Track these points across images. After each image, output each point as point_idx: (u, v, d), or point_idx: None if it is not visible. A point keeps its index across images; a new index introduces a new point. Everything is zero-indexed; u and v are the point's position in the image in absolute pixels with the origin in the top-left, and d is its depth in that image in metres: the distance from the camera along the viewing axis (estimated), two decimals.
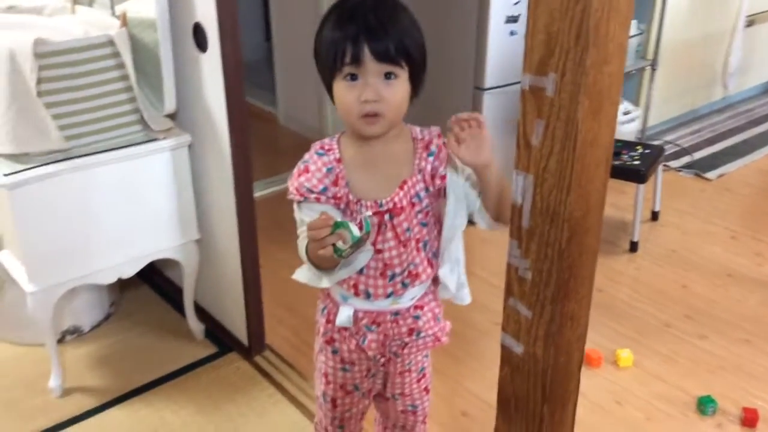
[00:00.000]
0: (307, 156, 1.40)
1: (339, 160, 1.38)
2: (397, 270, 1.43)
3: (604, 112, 1.19)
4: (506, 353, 1.49)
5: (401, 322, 1.50)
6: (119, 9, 2.27)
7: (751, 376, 2.41)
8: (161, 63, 2.14)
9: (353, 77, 1.28)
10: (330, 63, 1.29)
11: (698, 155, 4.12)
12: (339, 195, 1.37)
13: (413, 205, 1.39)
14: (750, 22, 4.48)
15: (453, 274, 1.48)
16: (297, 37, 3.97)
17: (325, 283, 1.45)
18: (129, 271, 2.32)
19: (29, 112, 1.97)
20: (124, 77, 2.13)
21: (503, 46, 3.03)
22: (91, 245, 2.19)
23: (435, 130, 1.43)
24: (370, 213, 1.36)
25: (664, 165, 3.67)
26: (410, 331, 1.51)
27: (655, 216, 3.42)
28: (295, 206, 1.42)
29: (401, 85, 1.30)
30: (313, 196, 1.36)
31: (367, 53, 1.25)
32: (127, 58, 2.10)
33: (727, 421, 2.22)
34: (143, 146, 2.20)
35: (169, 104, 2.22)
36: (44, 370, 2.39)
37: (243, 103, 2.15)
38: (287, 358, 2.48)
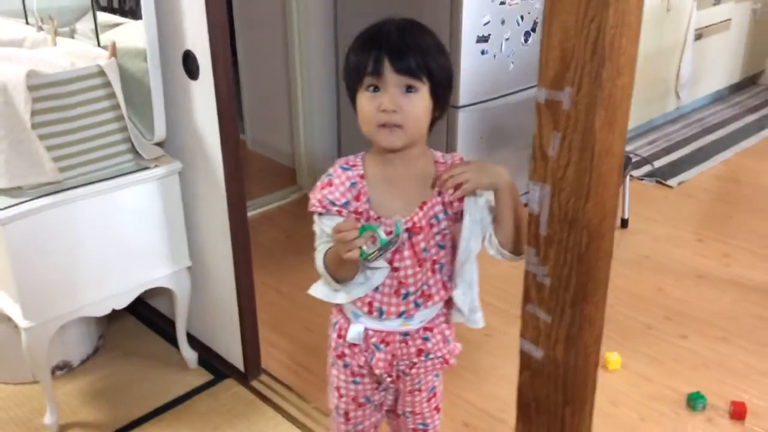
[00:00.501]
0: (331, 170, 1.44)
1: (362, 176, 1.42)
2: (411, 289, 1.46)
3: (617, 122, 1.26)
4: (525, 358, 1.53)
5: (410, 342, 1.53)
6: (104, 39, 2.27)
7: (733, 371, 2.51)
8: (150, 91, 2.15)
9: (375, 89, 1.33)
10: (354, 76, 1.35)
11: (658, 164, 4.27)
12: (360, 210, 1.41)
13: (431, 226, 1.43)
14: (698, 36, 4.69)
15: (466, 297, 1.50)
16: (264, 61, 3.99)
17: (340, 298, 1.48)
18: (123, 302, 2.30)
19: (23, 145, 1.96)
20: (115, 107, 2.13)
21: (475, 65, 3.12)
22: (85, 277, 2.17)
23: (457, 155, 1.49)
24: (401, 219, 1.38)
25: (629, 174, 3.80)
26: (419, 352, 1.54)
27: (624, 224, 3.54)
28: (315, 218, 1.45)
29: (421, 99, 1.34)
30: (335, 209, 1.40)
31: (387, 65, 1.30)
32: (118, 87, 2.11)
33: (717, 415, 2.31)
34: (135, 175, 2.20)
35: (159, 132, 2.23)
36: (36, 407, 2.35)
37: (235, 129, 2.17)
38: (284, 380, 2.48)
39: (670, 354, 2.61)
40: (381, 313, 1.48)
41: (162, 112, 2.20)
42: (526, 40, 3.32)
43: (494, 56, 3.19)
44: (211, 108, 2.12)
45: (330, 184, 1.42)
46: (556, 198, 1.34)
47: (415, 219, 1.41)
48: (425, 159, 1.46)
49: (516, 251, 1.44)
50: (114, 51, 2.12)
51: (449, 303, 1.55)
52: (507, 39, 3.22)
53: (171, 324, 2.69)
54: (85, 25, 2.40)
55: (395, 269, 1.44)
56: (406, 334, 1.52)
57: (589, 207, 1.30)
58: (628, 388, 2.44)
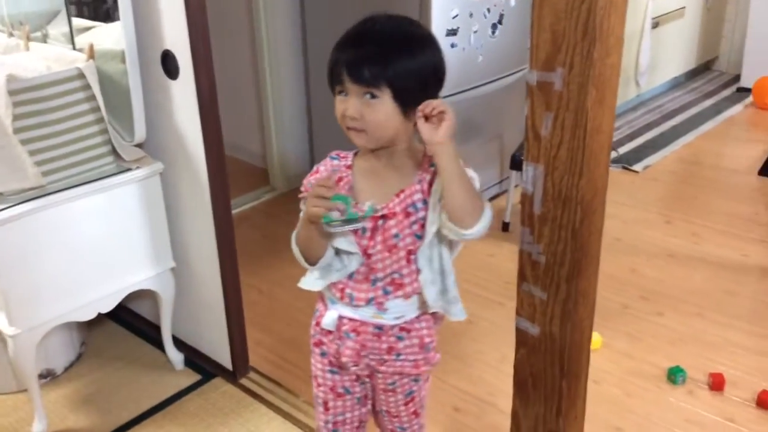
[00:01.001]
0: (323, 160, 1.51)
1: (349, 167, 1.48)
2: (380, 275, 1.48)
3: (607, 100, 1.31)
4: (521, 336, 1.58)
5: (383, 338, 1.53)
6: (78, 43, 2.26)
7: (709, 344, 2.60)
8: (129, 93, 2.14)
9: (343, 93, 1.38)
10: (329, 77, 1.40)
11: (623, 150, 4.37)
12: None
13: (408, 214, 1.44)
14: (655, 24, 4.82)
15: (434, 285, 1.48)
16: (232, 62, 3.99)
17: (319, 285, 1.51)
18: (107, 306, 2.29)
19: (5, 150, 1.94)
20: (95, 109, 2.12)
21: (445, 58, 3.16)
22: (70, 281, 2.16)
23: None
24: (374, 204, 1.42)
25: None
26: (390, 350, 1.54)
27: None
28: (301, 205, 1.47)
29: (382, 105, 1.36)
30: None
31: (345, 75, 1.35)
32: (97, 89, 2.10)
33: (697, 387, 2.39)
34: (116, 177, 2.19)
35: (139, 133, 2.22)
36: (23, 416, 2.32)
37: (218, 128, 2.18)
38: (273, 377, 2.49)
39: (648, 331, 2.69)
40: (351, 298, 1.50)
41: (141, 113, 2.19)
42: (493, 33, 3.37)
43: (463, 49, 3.24)
44: (192, 107, 2.13)
45: (317, 171, 1.51)
46: (550, 177, 1.39)
47: (390, 205, 1.43)
48: (412, 152, 1.47)
49: (462, 223, 1.38)
50: (92, 53, 2.11)
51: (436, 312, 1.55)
52: (475, 32, 3.27)
53: (154, 327, 2.68)
54: (57, 30, 2.38)
55: (369, 255, 1.46)
56: (380, 328, 1.52)
57: (582, 184, 1.35)
58: (610, 366, 2.51)
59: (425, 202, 1.44)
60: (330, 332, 1.55)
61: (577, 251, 1.41)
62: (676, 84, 5.54)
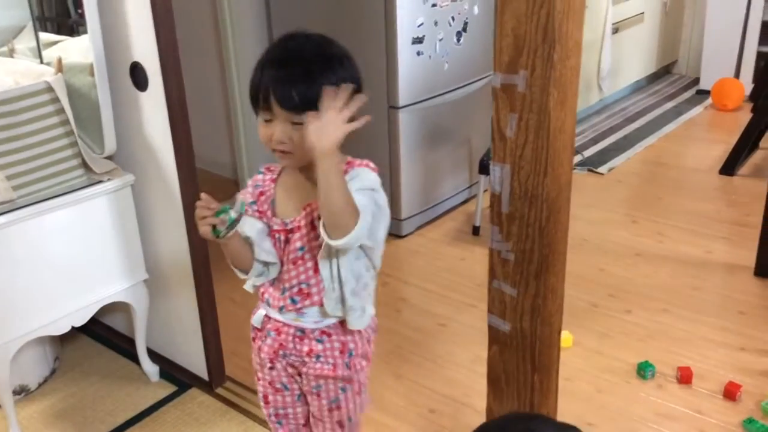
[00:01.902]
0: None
1: (273, 180, 1.53)
2: (287, 285, 1.52)
3: (568, 101, 1.36)
4: (493, 333, 1.62)
5: (305, 340, 1.55)
6: (47, 56, 2.26)
7: (677, 339, 2.67)
8: (99, 105, 2.15)
9: (267, 120, 1.40)
10: (251, 100, 1.42)
11: (588, 153, 4.46)
12: (262, 210, 1.51)
13: (314, 227, 1.44)
14: (615, 30, 4.92)
15: (333, 292, 1.48)
16: (203, 76, 3.99)
17: (249, 287, 1.59)
18: (81, 319, 2.29)
19: None
20: (64, 122, 2.12)
21: (412, 66, 3.21)
22: (43, 295, 2.15)
23: (366, 162, 1.47)
24: (245, 199, 1.48)
25: None
26: (309, 352, 1.56)
27: None
28: None
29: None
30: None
31: (275, 102, 1.36)
32: (66, 103, 2.10)
33: (666, 381, 2.45)
34: (87, 190, 2.19)
35: (109, 146, 2.22)
36: None
37: (188, 138, 2.19)
38: (249, 385, 2.50)
39: (617, 328, 2.75)
40: (268, 303, 1.57)
41: (111, 126, 2.20)
42: (458, 40, 3.43)
43: (429, 57, 3.29)
44: (162, 118, 2.14)
45: (248, 186, 1.55)
46: (516, 176, 1.43)
47: (297, 218, 1.46)
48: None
49: (331, 233, 1.34)
50: (60, 66, 2.12)
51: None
52: (441, 39, 3.32)
53: (127, 340, 2.68)
54: (24, 44, 2.38)
55: (283, 263, 1.51)
56: (302, 330, 1.55)
57: (548, 182, 1.40)
58: (581, 363, 2.56)
59: None
60: (258, 329, 1.61)
61: (545, 248, 1.45)
62: (638, 88, 5.66)
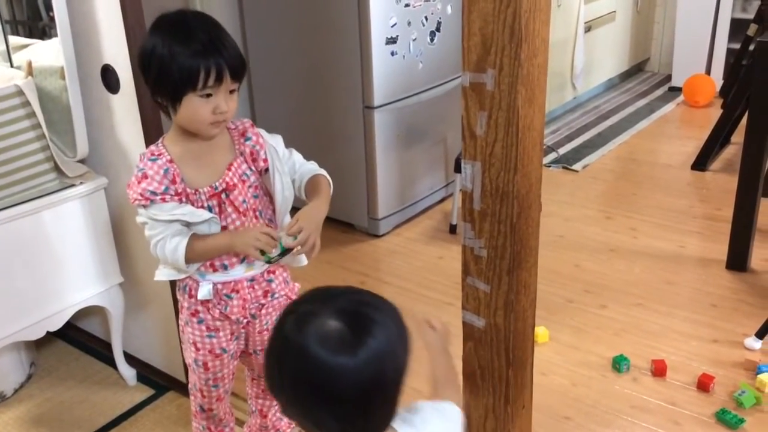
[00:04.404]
0: (141, 164, 1.58)
1: (171, 161, 1.58)
2: None
3: (536, 99, 1.38)
4: (468, 329, 1.63)
5: (257, 286, 1.74)
6: (17, 60, 2.24)
7: (650, 333, 2.70)
8: (70, 108, 2.14)
9: (209, 95, 1.51)
10: (186, 83, 1.48)
11: (562, 151, 4.50)
12: (179, 191, 1.57)
13: (243, 181, 1.64)
14: (588, 28, 4.97)
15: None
16: None
17: (190, 270, 1.66)
18: (56, 324, 2.27)
19: None
20: (35, 126, 2.11)
21: (386, 66, 3.22)
22: (16, 300, 2.13)
23: (247, 121, 1.71)
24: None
25: None
26: (265, 294, 1.76)
27: None
28: (140, 211, 1.59)
29: (236, 95, 1.59)
30: (158, 197, 1.55)
31: (227, 74, 1.50)
32: (37, 106, 2.09)
33: (641, 374, 2.49)
34: (60, 194, 2.18)
35: (82, 149, 2.21)
36: None
37: None
38: None
39: (592, 323, 2.78)
40: (225, 267, 1.68)
41: (83, 129, 2.19)
42: (431, 40, 3.45)
43: (404, 56, 3.30)
44: (134, 121, 2.13)
45: (145, 176, 1.56)
46: (487, 173, 1.45)
47: (227, 179, 1.61)
48: (225, 131, 1.66)
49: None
50: (30, 70, 2.10)
51: None
52: (414, 39, 3.34)
53: (104, 344, 2.66)
54: None
55: (225, 227, 1.64)
56: (252, 279, 1.72)
57: (518, 179, 1.42)
58: (557, 358, 2.58)
59: (251, 169, 1.66)
60: (207, 301, 1.70)
61: (517, 244, 1.47)
62: (611, 86, 5.72)
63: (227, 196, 1.61)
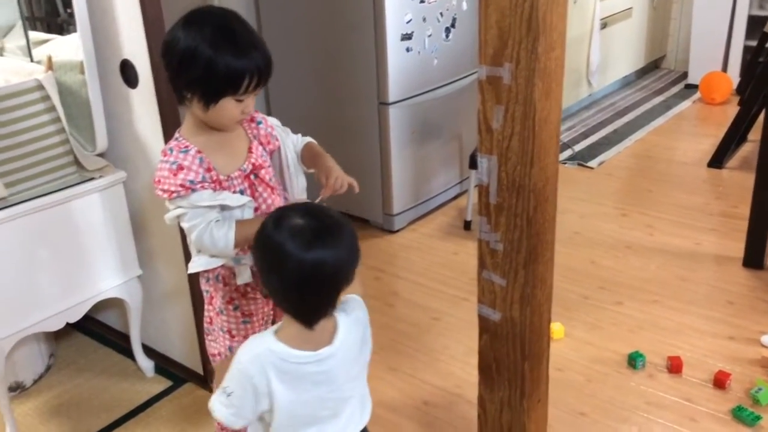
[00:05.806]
0: (171, 158, 1.58)
1: (200, 152, 1.59)
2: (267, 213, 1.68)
3: (553, 92, 1.38)
4: (484, 323, 1.64)
5: None
6: (37, 55, 2.27)
7: (667, 330, 2.70)
8: (89, 103, 2.16)
9: (239, 100, 1.56)
10: (230, 86, 1.52)
11: (578, 148, 4.49)
12: (214, 179, 1.59)
13: (264, 161, 1.71)
14: (604, 25, 4.95)
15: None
16: None
17: (227, 256, 1.65)
18: (75, 315, 2.30)
19: None
20: (55, 120, 2.14)
21: (401, 63, 3.23)
22: (38, 291, 2.16)
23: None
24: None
25: None
26: None
27: None
28: (178, 202, 1.58)
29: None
30: (198, 186, 1.56)
31: (253, 85, 1.54)
32: (57, 100, 2.11)
33: (657, 371, 2.48)
34: (80, 187, 2.20)
35: (101, 143, 2.24)
36: None
37: None
38: None
39: (608, 320, 2.78)
40: None
41: (102, 123, 2.21)
42: (447, 36, 3.45)
43: (419, 53, 3.31)
44: (153, 115, 2.15)
45: (181, 168, 1.56)
46: (504, 167, 1.46)
47: (253, 160, 1.67)
48: None
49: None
50: (50, 64, 2.13)
51: None
52: (429, 35, 3.34)
53: (122, 336, 2.69)
54: (13, 43, 2.39)
55: (257, 208, 1.66)
56: None
57: (534, 172, 1.42)
58: (572, 354, 2.58)
59: (265, 150, 1.72)
60: (246, 285, 1.72)
61: (533, 237, 1.47)
62: (627, 82, 5.69)
63: (256, 176, 1.66)
